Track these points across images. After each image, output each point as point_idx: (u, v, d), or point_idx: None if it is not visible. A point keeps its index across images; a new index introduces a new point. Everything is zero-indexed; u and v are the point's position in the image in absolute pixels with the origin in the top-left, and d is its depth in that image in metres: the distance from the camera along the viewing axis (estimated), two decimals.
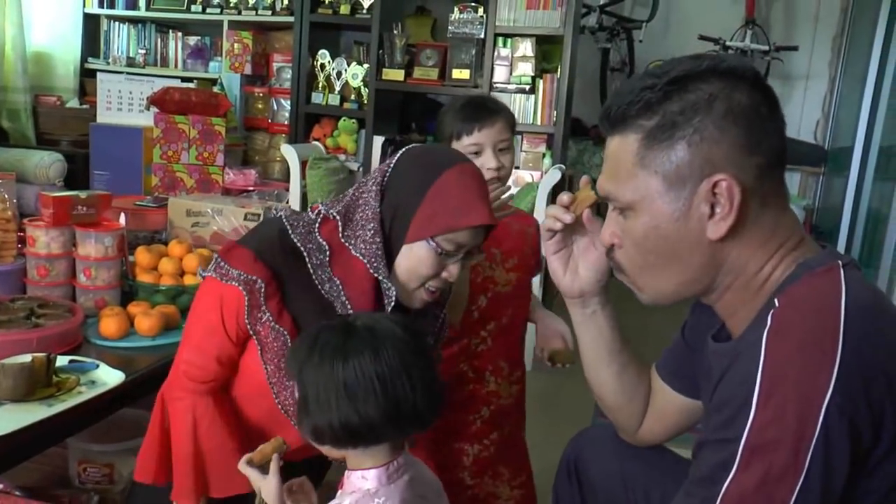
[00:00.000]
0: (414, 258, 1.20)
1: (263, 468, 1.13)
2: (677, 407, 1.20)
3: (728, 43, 5.28)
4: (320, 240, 1.22)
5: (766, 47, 5.14)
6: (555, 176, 3.30)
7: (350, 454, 1.05)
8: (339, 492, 1.06)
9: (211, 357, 1.24)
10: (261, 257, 1.20)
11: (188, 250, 1.97)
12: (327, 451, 1.07)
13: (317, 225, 1.24)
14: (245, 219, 2.09)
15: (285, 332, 1.21)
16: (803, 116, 5.24)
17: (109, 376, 1.42)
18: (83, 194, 1.90)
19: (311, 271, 1.22)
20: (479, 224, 1.19)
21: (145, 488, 1.39)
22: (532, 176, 3.59)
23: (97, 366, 1.45)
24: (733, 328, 0.97)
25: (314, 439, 1.05)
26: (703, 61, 0.90)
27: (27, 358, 1.34)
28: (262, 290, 1.19)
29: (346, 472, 1.06)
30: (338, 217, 1.22)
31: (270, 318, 1.20)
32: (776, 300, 0.86)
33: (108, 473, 1.88)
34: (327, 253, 1.22)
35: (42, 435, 1.26)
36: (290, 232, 1.23)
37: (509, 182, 1.64)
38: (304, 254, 1.22)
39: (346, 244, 1.21)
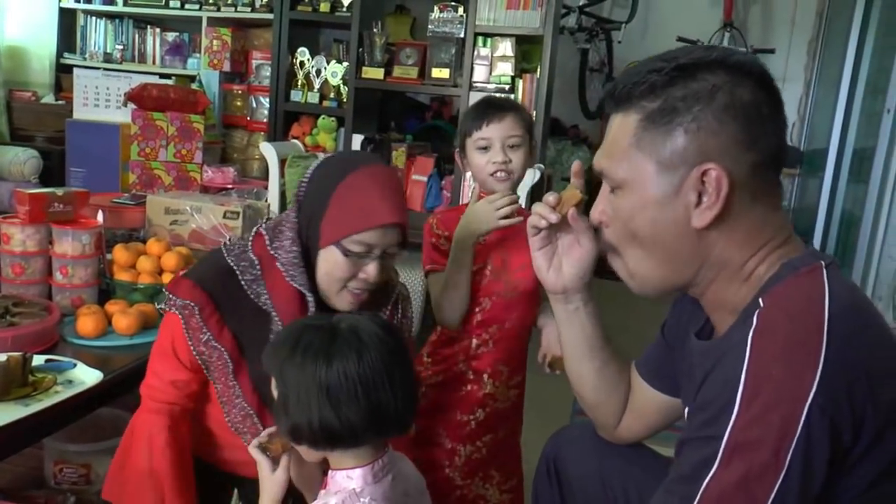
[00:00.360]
0: (329, 263, 1.24)
1: (275, 459, 1.12)
2: (657, 405, 1.21)
3: (707, 44, 5.33)
4: (251, 255, 1.30)
5: (744, 50, 5.20)
6: (534, 175, 3.30)
7: (330, 453, 1.05)
8: (323, 492, 1.06)
9: (167, 381, 1.32)
10: (199, 283, 1.28)
11: (166, 248, 1.96)
12: (304, 451, 1.06)
13: (250, 242, 1.31)
14: (224, 217, 2.08)
15: (223, 349, 1.27)
16: None
17: (87, 375, 1.40)
18: (60, 191, 1.87)
19: (245, 287, 1.28)
20: (383, 224, 1.21)
21: None
22: None
23: (74, 365, 1.43)
24: (717, 324, 0.98)
25: (292, 438, 1.04)
26: (713, 52, 0.91)
27: (2, 357, 1.32)
28: (199, 313, 1.26)
29: (330, 471, 1.06)
30: (265, 232, 1.30)
31: (211, 338, 1.27)
32: (761, 300, 0.87)
33: (85, 474, 1.86)
34: (258, 267, 1.29)
35: (18, 435, 1.24)
36: (225, 254, 1.31)
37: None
38: (237, 271, 1.28)
39: (274, 255, 1.27)
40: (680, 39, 5.32)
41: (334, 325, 1.04)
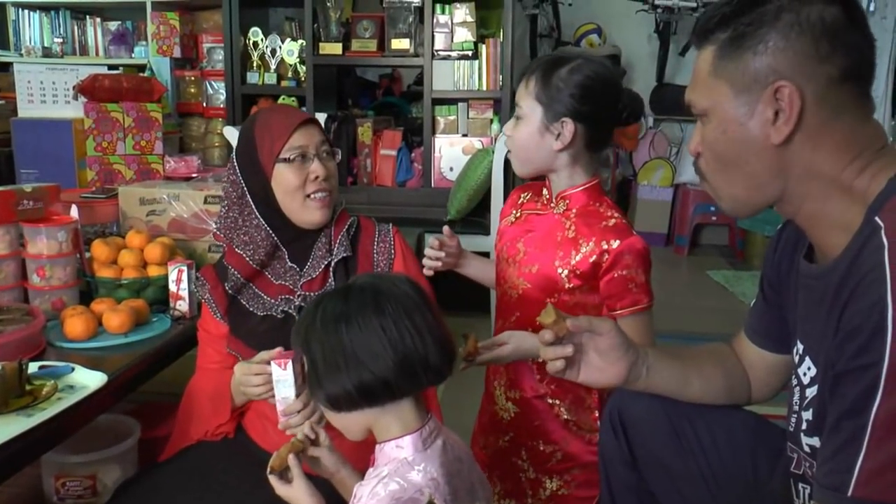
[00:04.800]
0: (280, 182, 1.39)
1: (284, 475, 1.06)
2: (779, 367, 1.20)
3: (657, 1, 5.31)
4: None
5: (694, 4, 5.18)
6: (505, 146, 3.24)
7: (375, 421, 0.99)
8: (371, 469, 1.00)
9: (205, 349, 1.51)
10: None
11: (148, 240, 1.85)
12: (341, 419, 1.01)
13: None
14: (206, 202, 1.97)
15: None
16: None
17: (89, 379, 1.31)
18: (28, 187, 1.75)
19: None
20: (299, 124, 1.38)
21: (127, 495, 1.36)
22: (481, 142, 3.53)
23: (73, 369, 1.34)
24: (822, 243, 0.97)
25: (331, 407, 1.00)
26: None
27: None
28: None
29: (378, 445, 1.01)
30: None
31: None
32: (878, 219, 0.86)
33: (91, 485, 1.74)
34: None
35: (23, 449, 1.13)
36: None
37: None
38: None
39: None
40: None
41: (349, 286, 1.02)
